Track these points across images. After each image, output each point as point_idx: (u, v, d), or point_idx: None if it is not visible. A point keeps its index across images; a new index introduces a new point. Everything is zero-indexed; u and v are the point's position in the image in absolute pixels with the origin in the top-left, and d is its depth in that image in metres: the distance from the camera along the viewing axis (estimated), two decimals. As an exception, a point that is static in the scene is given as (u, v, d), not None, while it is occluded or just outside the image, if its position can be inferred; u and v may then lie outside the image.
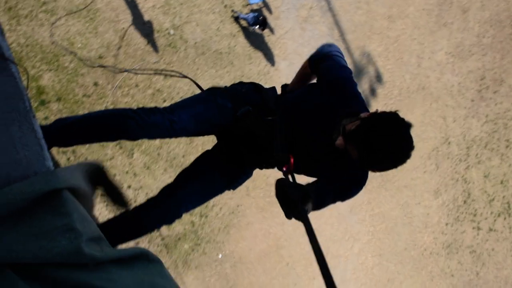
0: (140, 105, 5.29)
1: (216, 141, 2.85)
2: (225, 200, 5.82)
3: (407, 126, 2.11)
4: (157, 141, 5.28)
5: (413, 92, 7.87)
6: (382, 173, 6.30)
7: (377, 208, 7.49)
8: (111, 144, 4.92)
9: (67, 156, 4.70)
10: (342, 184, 2.41)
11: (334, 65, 2.47)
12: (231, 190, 2.82)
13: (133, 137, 2.45)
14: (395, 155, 2.06)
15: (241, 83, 2.80)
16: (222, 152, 2.74)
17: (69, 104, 4.85)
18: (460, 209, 8.34)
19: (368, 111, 2.36)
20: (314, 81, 2.73)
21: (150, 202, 2.62)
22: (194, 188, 2.59)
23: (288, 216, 1.88)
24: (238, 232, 5.99)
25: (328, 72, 2.47)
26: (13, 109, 1.47)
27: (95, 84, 5.02)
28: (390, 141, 2.01)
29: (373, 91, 7.47)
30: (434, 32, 8.11)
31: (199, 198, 2.64)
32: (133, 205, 4.70)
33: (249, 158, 2.60)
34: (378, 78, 7.56)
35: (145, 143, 5.22)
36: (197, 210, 5.63)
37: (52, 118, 4.73)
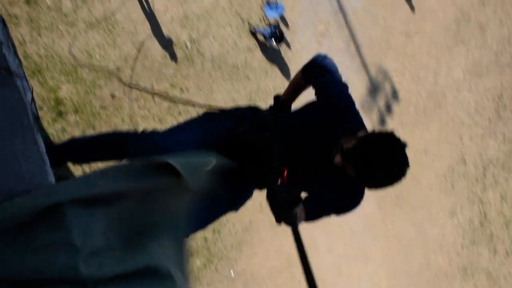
0: (156, 118, 5.27)
1: None
2: (239, 216, 5.76)
3: (403, 145, 2.10)
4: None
5: (429, 110, 7.79)
6: (397, 191, 6.19)
7: (391, 227, 7.38)
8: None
9: (82, 169, 4.67)
10: (339, 198, 2.44)
11: (332, 81, 2.49)
12: (234, 211, 2.82)
13: (133, 158, 2.52)
14: (391, 173, 2.06)
15: (238, 106, 2.83)
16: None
17: (86, 115, 4.81)
18: (476, 230, 8.22)
19: (366, 129, 2.39)
20: (307, 90, 2.75)
21: None
22: (199, 208, 2.61)
23: (278, 220, 1.87)
24: (251, 248, 5.92)
25: (327, 89, 2.47)
26: (17, 123, 1.48)
27: (112, 96, 4.99)
28: (385, 159, 2.02)
29: (388, 108, 7.40)
30: (451, 49, 8.04)
31: (203, 219, 2.64)
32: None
33: (249, 170, 2.58)
34: (394, 94, 7.49)
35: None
36: (210, 226, 5.57)
37: (69, 130, 4.70)
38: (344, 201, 2.44)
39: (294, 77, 2.77)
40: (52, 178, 1.56)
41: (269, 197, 1.96)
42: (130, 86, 4.98)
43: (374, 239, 7.23)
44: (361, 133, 2.23)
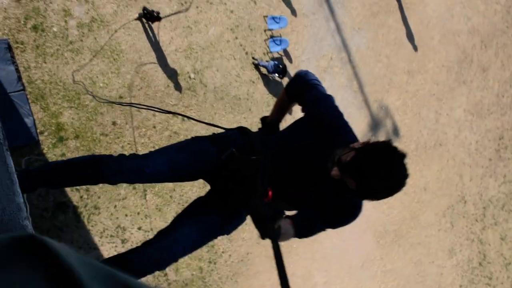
0: (157, 147, 5.30)
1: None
2: (235, 247, 5.73)
3: (401, 155, 2.10)
4: (170, 184, 5.26)
5: (430, 148, 7.81)
6: (396, 228, 6.14)
7: (390, 265, 7.32)
8: (125, 184, 4.91)
9: (80, 194, 4.68)
10: (337, 211, 2.39)
11: (318, 95, 2.50)
12: (225, 235, 2.83)
13: (110, 181, 2.59)
14: (389, 183, 2.04)
15: (227, 129, 2.86)
16: (213, 195, 2.78)
17: (86, 142, 4.86)
18: (475, 271, 8.12)
19: (357, 140, 2.38)
20: (293, 108, 2.82)
21: (144, 245, 2.64)
22: (189, 231, 2.62)
23: (262, 235, 1.87)
24: (246, 280, 5.87)
25: (314, 104, 2.49)
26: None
27: (114, 123, 5.04)
28: (383, 169, 2.00)
29: (389, 145, 7.42)
30: (453, 89, 8.11)
31: (193, 241, 2.66)
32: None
33: (237, 195, 2.59)
34: (395, 131, 7.53)
35: (158, 185, 5.20)
36: (206, 256, 5.55)
37: (69, 155, 4.74)
38: (342, 214, 2.42)
39: (279, 96, 2.80)
40: (20, 199, 1.54)
41: (251, 212, 1.98)
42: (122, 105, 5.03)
43: (372, 276, 7.16)
44: (356, 145, 2.21)
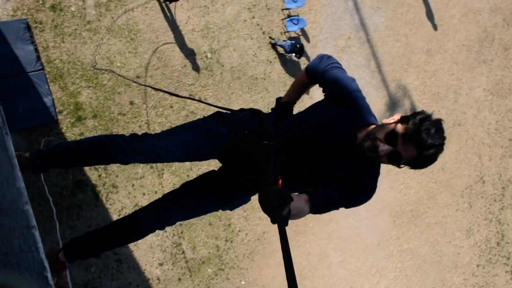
0: (174, 125, 5.34)
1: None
2: (252, 226, 5.78)
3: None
4: (187, 163, 5.30)
5: (448, 128, 7.73)
6: (413, 208, 6.12)
7: (406, 244, 7.32)
8: (142, 164, 4.97)
9: (98, 173, 4.76)
10: (351, 190, 2.42)
11: (341, 76, 2.52)
12: (227, 210, 2.87)
13: (122, 162, 2.62)
14: (440, 151, 2.17)
15: (241, 109, 2.86)
16: (223, 173, 2.80)
17: (104, 121, 4.92)
18: (492, 251, 8.09)
19: (375, 118, 2.45)
20: (310, 90, 2.88)
21: (150, 204, 2.73)
22: (189, 199, 2.68)
23: (272, 221, 1.90)
24: (263, 259, 5.93)
25: (338, 84, 2.50)
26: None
27: (131, 103, 5.09)
28: (440, 139, 2.14)
29: (407, 125, 7.36)
30: (473, 68, 7.99)
31: (191, 211, 2.76)
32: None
33: (244, 179, 2.62)
34: (413, 111, 7.46)
35: (175, 165, 5.24)
36: (223, 234, 5.61)
37: (87, 134, 4.81)
38: (357, 193, 2.43)
39: (298, 77, 2.81)
40: (21, 183, 1.55)
41: (259, 199, 2.00)
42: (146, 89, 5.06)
43: (388, 255, 7.17)
44: (394, 118, 2.28)
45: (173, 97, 5.45)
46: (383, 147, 2.20)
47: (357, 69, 6.94)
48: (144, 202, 5.13)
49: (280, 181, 2.20)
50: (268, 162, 2.42)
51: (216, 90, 5.75)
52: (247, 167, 2.55)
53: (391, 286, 7.20)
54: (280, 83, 6.27)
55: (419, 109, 7.43)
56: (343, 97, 2.46)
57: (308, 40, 6.58)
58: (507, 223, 8.25)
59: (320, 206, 2.32)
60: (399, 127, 2.18)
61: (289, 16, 6.38)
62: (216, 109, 2.87)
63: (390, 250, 7.20)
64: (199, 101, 3.22)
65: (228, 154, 2.63)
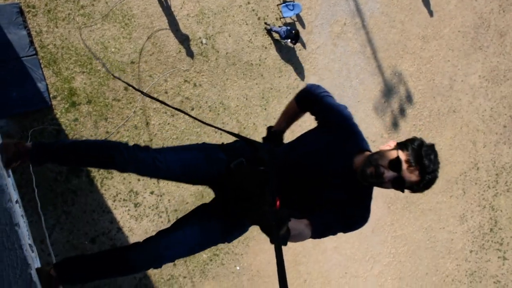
0: (168, 112, 5.33)
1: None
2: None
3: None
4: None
5: (443, 115, 7.75)
6: (407, 195, 6.16)
7: (400, 230, 7.37)
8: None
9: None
10: (348, 217, 2.46)
11: (332, 104, 2.58)
12: (226, 243, 2.86)
13: (121, 169, 2.58)
14: (437, 175, 2.28)
15: (236, 140, 2.86)
16: (218, 204, 2.80)
17: (98, 107, 4.91)
18: (486, 237, 8.15)
19: (368, 145, 2.51)
20: (301, 119, 2.85)
21: (145, 241, 2.67)
22: (189, 234, 2.64)
23: (271, 241, 1.91)
24: (257, 245, 5.96)
25: (330, 111, 2.57)
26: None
27: (126, 88, 5.07)
28: (438, 163, 2.26)
29: (402, 111, 7.38)
30: (468, 55, 7.99)
31: (192, 246, 2.68)
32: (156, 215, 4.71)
33: (240, 208, 2.62)
34: (409, 98, 7.47)
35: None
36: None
37: (82, 120, 4.79)
38: (353, 217, 2.47)
39: (288, 106, 2.84)
40: (3, 181, 1.54)
41: (258, 219, 2.01)
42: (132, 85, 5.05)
43: (382, 241, 7.22)
44: (390, 144, 2.36)
45: (168, 83, 5.43)
46: (388, 174, 2.27)
47: (352, 55, 6.93)
48: (139, 188, 5.13)
49: (278, 202, 2.22)
50: (264, 186, 2.44)
51: (211, 76, 5.74)
52: (243, 193, 2.56)
53: (385, 271, 7.26)
54: (275, 69, 6.26)
55: (414, 96, 7.45)
56: (337, 124, 2.52)
57: (303, 26, 6.55)
58: (501, 210, 8.30)
59: (320, 230, 2.36)
60: (401, 154, 2.26)
61: (284, 1, 6.34)
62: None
63: (384, 236, 7.24)
64: (200, 121, 3.13)
65: (224, 180, 2.63)
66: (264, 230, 1.94)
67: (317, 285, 6.54)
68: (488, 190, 8.20)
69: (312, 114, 2.67)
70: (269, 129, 2.95)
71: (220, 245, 5.67)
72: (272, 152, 2.65)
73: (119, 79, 4.69)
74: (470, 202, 8.03)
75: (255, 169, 2.55)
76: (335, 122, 2.52)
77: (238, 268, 5.84)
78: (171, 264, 5.33)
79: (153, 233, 2.64)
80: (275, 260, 1.71)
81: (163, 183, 5.25)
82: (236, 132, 2.72)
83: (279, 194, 2.33)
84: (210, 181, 2.74)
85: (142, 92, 3.16)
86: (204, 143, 2.76)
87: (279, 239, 1.88)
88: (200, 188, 5.34)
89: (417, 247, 7.54)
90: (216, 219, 2.69)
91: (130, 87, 5.08)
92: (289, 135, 2.79)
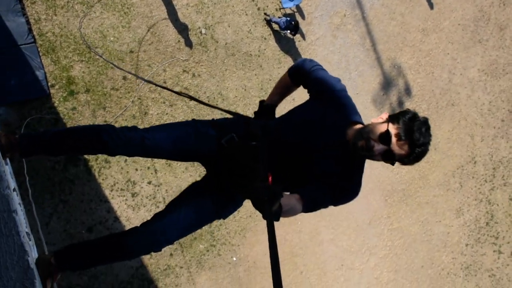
0: (167, 102, 5.32)
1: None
2: (244, 203, 5.80)
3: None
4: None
5: (442, 108, 7.75)
6: (404, 187, 6.15)
7: (396, 223, 7.39)
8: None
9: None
10: (339, 190, 2.46)
11: (327, 77, 2.56)
12: (222, 219, 2.85)
13: (110, 152, 2.54)
14: (428, 148, 2.28)
15: (227, 117, 2.85)
16: (210, 180, 2.79)
17: (97, 96, 4.88)
18: (481, 230, 8.19)
19: (362, 120, 2.50)
20: (294, 93, 2.84)
21: (142, 225, 2.66)
22: (183, 215, 2.63)
23: (264, 217, 1.91)
24: (254, 236, 5.97)
25: (323, 84, 2.55)
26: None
27: (124, 78, 5.05)
28: (429, 137, 2.25)
29: (401, 104, 7.38)
30: (468, 48, 7.97)
31: (188, 225, 2.68)
32: (151, 204, 4.72)
33: (232, 184, 2.62)
34: (407, 91, 7.47)
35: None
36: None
37: (80, 109, 4.77)
38: (345, 190, 2.47)
39: (281, 80, 2.82)
40: (1, 168, 1.53)
41: (250, 196, 2.00)
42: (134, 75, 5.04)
43: (378, 234, 7.24)
44: (383, 117, 2.34)
45: (167, 72, 5.41)
46: (378, 147, 2.26)
47: (352, 47, 6.91)
48: (136, 177, 5.13)
49: (271, 177, 2.20)
50: (256, 161, 2.43)
51: (210, 67, 5.71)
52: (235, 168, 2.55)
53: (381, 264, 7.29)
54: (275, 60, 6.24)
55: (413, 89, 7.44)
56: (330, 96, 2.50)
57: (303, 17, 6.53)
58: (497, 204, 8.33)
59: (311, 205, 2.36)
60: (391, 127, 2.25)
61: (284, -8, 6.31)
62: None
63: (381, 229, 7.26)
64: (192, 97, 3.11)
65: (215, 157, 2.63)
66: (256, 205, 1.93)
67: (313, 277, 6.56)
68: (485, 184, 8.22)
69: (305, 87, 2.66)
70: (261, 103, 2.92)
71: (217, 236, 5.69)
72: (264, 127, 2.63)
73: (119, 67, 4.66)
74: (467, 196, 8.05)
75: (246, 144, 2.54)
76: (327, 94, 2.51)
77: (234, 259, 5.86)
78: (168, 254, 5.34)
79: (150, 220, 2.64)
80: (270, 260, 1.71)
81: (161, 173, 5.25)
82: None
83: (271, 169, 2.33)
84: (201, 157, 2.72)
85: (143, 79, 3.15)
86: (193, 120, 2.74)
87: (271, 215, 1.88)
88: (197, 178, 5.34)
89: (413, 240, 7.56)
90: (209, 196, 2.69)
91: (132, 75, 5.06)
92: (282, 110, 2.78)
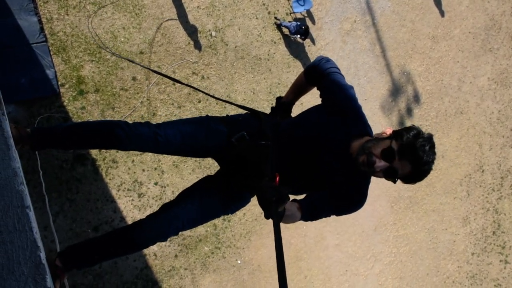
0: (176, 104, 5.34)
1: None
2: (249, 206, 5.78)
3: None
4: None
5: (450, 116, 7.72)
6: (411, 195, 6.15)
7: (402, 230, 7.36)
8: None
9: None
10: (343, 198, 2.44)
11: (339, 83, 2.51)
12: (229, 214, 2.86)
13: (123, 146, 2.54)
14: (432, 167, 2.22)
15: (239, 114, 2.84)
16: (221, 175, 2.80)
17: (106, 96, 4.91)
18: (488, 239, 8.14)
19: (371, 129, 2.47)
20: (310, 92, 2.81)
21: (148, 217, 2.67)
22: (191, 207, 2.64)
23: (266, 216, 1.91)
24: (259, 239, 5.97)
25: (335, 91, 2.50)
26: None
27: (134, 78, 5.08)
28: (433, 155, 2.19)
29: (409, 111, 7.36)
30: (478, 56, 7.95)
31: (194, 218, 2.69)
32: (158, 202, 4.73)
33: (240, 180, 2.64)
34: (416, 98, 7.45)
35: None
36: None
37: (89, 109, 4.80)
38: (349, 201, 2.45)
39: (297, 78, 2.79)
40: (16, 164, 1.55)
41: (257, 194, 2.01)
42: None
43: (384, 240, 7.22)
44: (387, 132, 2.32)
45: (176, 74, 5.43)
46: (380, 164, 2.22)
47: (361, 53, 6.90)
48: (143, 178, 5.15)
49: (278, 178, 2.20)
50: (265, 161, 2.43)
51: (219, 69, 5.73)
52: (244, 166, 2.56)
53: (385, 270, 7.26)
54: (284, 64, 6.25)
55: (422, 96, 7.42)
56: (341, 105, 2.46)
57: (313, 22, 6.53)
58: (504, 213, 8.28)
59: (310, 214, 2.35)
60: (395, 144, 2.20)
61: (295, -4, 6.32)
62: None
63: (387, 235, 7.24)
64: (210, 95, 3.13)
65: (226, 154, 2.63)
66: (263, 204, 1.94)
67: (317, 282, 6.55)
68: (493, 193, 8.18)
69: (318, 89, 2.62)
70: (278, 99, 2.92)
71: (222, 238, 5.69)
72: (275, 127, 2.64)
73: (135, 62, 4.69)
74: (474, 205, 8.01)
75: (256, 143, 2.54)
76: (338, 103, 2.46)
77: (239, 262, 5.86)
78: (172, 255, 5.35)
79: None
80: (276, 260, 1.71)
81: (168, 174, 5.26)
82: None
83: (279, 169, 2.33)
84: (211, 153, 2.73)
85: (159, 73, 3.16)
86: (207, 116, 2.76)
87: (277, 215, 1.89)
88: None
89: (418, 247, 7.53)
90: (217, 191, 2.71)
91: (143, 76, 5.09)
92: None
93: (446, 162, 7.70)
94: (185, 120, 2.69)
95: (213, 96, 2.95)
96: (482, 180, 8.07)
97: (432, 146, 2.18)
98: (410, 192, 7.36)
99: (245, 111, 2.87)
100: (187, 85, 3.01)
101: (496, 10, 8.12)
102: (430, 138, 2.20)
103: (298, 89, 2.83)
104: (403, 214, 7.34)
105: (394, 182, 2.26)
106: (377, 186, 7.00)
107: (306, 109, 2.63)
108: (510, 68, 8.26)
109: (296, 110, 2.79)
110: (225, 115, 2.82)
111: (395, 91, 7.22)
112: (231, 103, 2.93)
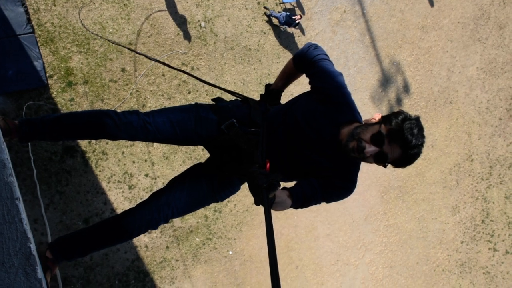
0: (165, 95, 5.31)
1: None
2: (240, 197, 5.81)
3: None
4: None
5: (440, 105, 7.76)
6: (401, 184, 6.16)
7: (393, 219, 7.40)
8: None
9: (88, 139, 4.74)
10: (332, 187, 2.43)
11: (328, 70, 2.49)
12: (219, 202, 2.85)
13: (112, 136, 2.52)
14: (421, 150, 2.20)
15: (231, 100, 2.84)
16: (211, 163, 2.79)
17: (95, 87, 4.87)
18: (477, 228, 8.21)
19: (360, 116, 2.44)
20: (299, 79, 2.80)
21: (138, 205, 2.66)
22: (180, 194, 2.64)
23: (257, 202, 1.91)
24: (250, 230, 5.98)
25: (324, 78, 2.48)
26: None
27: (123, 70, 5.04)
28: (422, 138, 2.17)
29: (399, 101, 7.38)
30: (467, 46, 7.97)
31: (184, 205, 2.69)
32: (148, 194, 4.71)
33: (230, 168, 2.63)
34: (406, 88, 7.47)
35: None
36: (212, 205, 5.63)
37: (78, 100, 4.77)
38: (338, 188, 2.45)
39: (286, 65, 2.76)
40: (4, 155, 1.54)
41: (248, 180, 2.00)
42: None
43: (374, 230, 7.26)
44: (375, 117, 2.30)
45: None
46: (370, 148, 2.22)
47: (351, 43, 6.90)
48: (134, 170, 5.13)
49: (268, 164, 2.20)
50: (255, 147, 2.43)
51: (209, 60, 5.70)
52: (235, 153, 2.55)
53: (376, 260, 7.31)
54: (274, 54, 6.23)
55: (411, 86, 7.44)
56: (329, 92, 2.44)
57: (303, 12, 6.51)
58: (493, 202, 8.35)
59: (301, 202, 2.34)
60: (384, 128, 2.20)
61: (285, -13, 6.30)
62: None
63: (377, 225, 7.28)
64: (193, 76, 3.11)
65: (215, 141, 2.62)
66: (254, 190, 1.94)
67: (308, 272, 6.58)
68: (482, 182, 8.24)
69: (306, 76, 2.60)
70: (267, 86, 2.91)
71: (214, 229, 5.70)
72: (265, 114, 2.64)
73: (130, 49, 4.66)
74: (463, 194, 8.07)
75: (246, 130, 2.55)
76: (327, 90, 2.45)
77: (230, 252, 5.87)
78: (164, 246, 5.35)
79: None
80: (267, 246, 1.71)
81: (158, 165, 5.25)
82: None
83: (269, 156, 2.33)
84: (201, 141, 2.71)
85: (156, 60, 3.14)
86: (195, 103, 2.74)
87: (268, 202, 1.89)
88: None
89: (408, 236, 7.58)
90: (206, 179, 2.71)
91: (133, 68, 5.05)
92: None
93: (435, 152, 7.74)
94: (174, 108, 2.67)
95: (207, 82, 2.93)
96: (471, 169, 8.13)
97: (421, 129, 2.17)
98: (400, 182, 7.40)
99: (234, 98, 2.86)
100: (184, 71, 2.99)
101: (484, 0, 8.14)
102: (417, 120, 2.20)
103: (287, 76, 2.81)
104: (393, 203, 7.38)
105: (385, 166, 2.26)
106: (368, 176, 7.02)
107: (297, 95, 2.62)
108: (499, 58, 8.29)
109: (285, 99, 2.78)
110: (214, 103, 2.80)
111: (385, 81, 7.23)
112: (221, 88, 2.92)
